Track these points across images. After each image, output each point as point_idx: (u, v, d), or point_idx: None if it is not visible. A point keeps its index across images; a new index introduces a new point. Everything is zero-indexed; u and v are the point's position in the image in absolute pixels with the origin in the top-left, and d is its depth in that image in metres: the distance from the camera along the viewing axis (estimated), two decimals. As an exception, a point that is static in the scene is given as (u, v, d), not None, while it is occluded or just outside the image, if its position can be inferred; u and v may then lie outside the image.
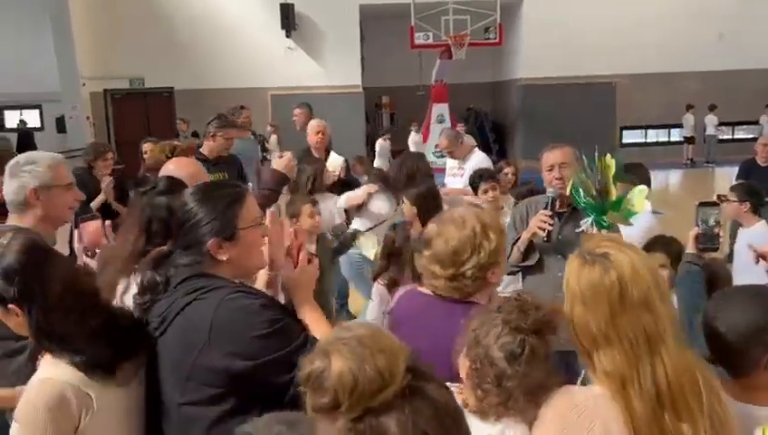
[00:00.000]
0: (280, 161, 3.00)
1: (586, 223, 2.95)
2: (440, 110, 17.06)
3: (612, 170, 2.90)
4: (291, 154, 3.08)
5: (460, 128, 13.17)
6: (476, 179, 4.69)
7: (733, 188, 4.37)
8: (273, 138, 12.43)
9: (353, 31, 17.25)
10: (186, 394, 1.66)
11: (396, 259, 3.38)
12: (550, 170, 3.23)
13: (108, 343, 1.67)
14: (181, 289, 1.71)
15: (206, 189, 1.86)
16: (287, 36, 16.68)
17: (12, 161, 2.48)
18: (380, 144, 13.62)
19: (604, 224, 2.90)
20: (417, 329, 1.86)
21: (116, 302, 2.06)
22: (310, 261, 1.88)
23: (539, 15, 17.04)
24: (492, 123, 19.32)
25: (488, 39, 16.37)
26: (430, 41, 15.94)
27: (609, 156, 2.95)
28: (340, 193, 5.02)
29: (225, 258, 1.75)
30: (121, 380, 1.70)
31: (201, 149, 5.04)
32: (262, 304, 1.68)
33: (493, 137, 18.61)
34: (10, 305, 1.65)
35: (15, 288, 1.63)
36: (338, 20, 16.68)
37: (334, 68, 16.92)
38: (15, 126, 17.14)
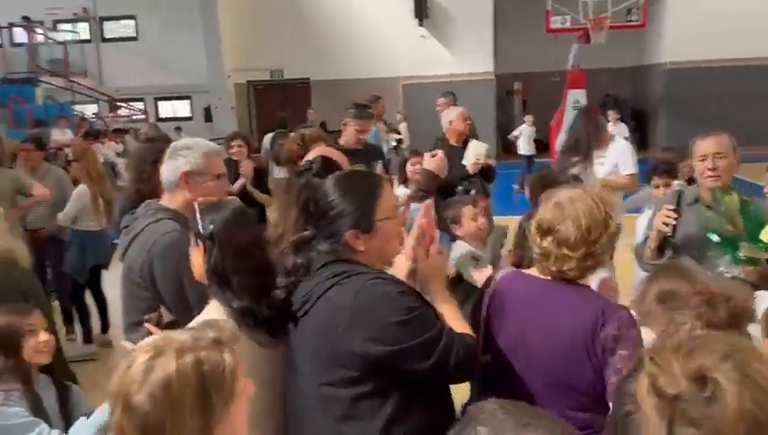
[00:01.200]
0: (432, 161, 2.85)
1: (725, 262, 2.75)
2: (576, 96, 16.36)
3: (736, 204, 2.72)
4: (442, 153, 2.93)
5: (612, 115, 12.72)
6: (648, 171, 4.36)
7: None
8: (403, 125, 12.55)
9: (486, 16, 16.99)
10: (325, 375, 1.72)
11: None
12: (702, 160, 2.93)
13: (263, 302, 1.83)
14: (323, 273, 1.78)
15: (346, 180, 1.90)
16: (420, 25, 16.74)
17: (173, 144, 2.61)
18: (526, 129, 13.41)
19: (741, 258, 2.69)
20: (526, 307, 1.91)
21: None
22: (441, 253, 1.92)
23: (687, -6, 15.88)
24: (631, 110, 18.31)
25: (630, 21, 15.48)
26: (567, 24, 15.34)
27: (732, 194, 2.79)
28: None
29: (361, 249, 1.80)
30: (264, 341, 1.83)
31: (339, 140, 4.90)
32: (400, 292, 1.71)
33: (633, 125, 17.64)
34: (200, 241, 1.89)
35: (212, 227, 1.87)
36: (471, 6, 16.51)
37: (466, 55, 16.78)
38: (169, 116, 18.53)
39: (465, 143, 5.16)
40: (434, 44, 16.97)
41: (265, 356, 1.84)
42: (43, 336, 2.31)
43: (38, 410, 2.20)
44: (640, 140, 17.50)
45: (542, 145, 17.27)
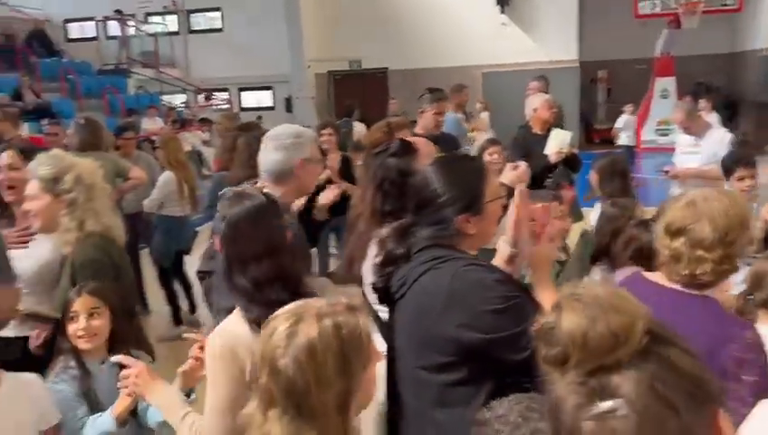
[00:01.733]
0: (512, 174, 2.66)
1: None
2: (665, 84, 15.74)
3: None
4: (525, 166, 2.72)
5: (704, 104, 12.09)
6: (730, 162, 4.05)
7: None
8: (485, 114, 12.39)
9: (572, 2, 16.52)
10: (420, 359, 1.72)
11: (615, 240, 3.14)
12: None
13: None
14: (420, 257, 1.78)
15: (449, 165, 1.89)
16: (501, 12, 16.46)
17: (268, 133, 2.68)
18: (627, 118, 12.98)
19: None
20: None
21: (366, 264, 2.26)
22: (552, 241, 1.90)
23: (790, -25, 14.92)
24: (725, 99, 17.39)
25: (725, 5, 14.74)
26: (657, 9, 14.77)
27: None
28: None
29: (473, 232, 1.80)
30: None
31: (415, 129, 4.77)
32: (497, 279, 1.69)
33: (726, 114, 16.75)
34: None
35: (225, 230, 1.80)
36: (555, -9, 16.09)
37: (549, 42, 16.38)
38: (252, 106, 19.01)
39: (549, 132, 5.03)
40: (515, 31, 16.65)
41: None
42: (82, 323, 2.27)
43: (86, 391, 2.22)
44: (733, 130, 16.62)
45: (627, 135, 16.67)
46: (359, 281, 2.37)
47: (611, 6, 16.90)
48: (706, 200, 1.72)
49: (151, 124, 13.09)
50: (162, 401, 1.94)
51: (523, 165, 2.73)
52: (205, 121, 13.78)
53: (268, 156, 2.59)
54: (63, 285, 2.54)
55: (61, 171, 2.57)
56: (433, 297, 1.69)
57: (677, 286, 1.75)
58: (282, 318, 1.24)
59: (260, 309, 1.67)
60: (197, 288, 5.10)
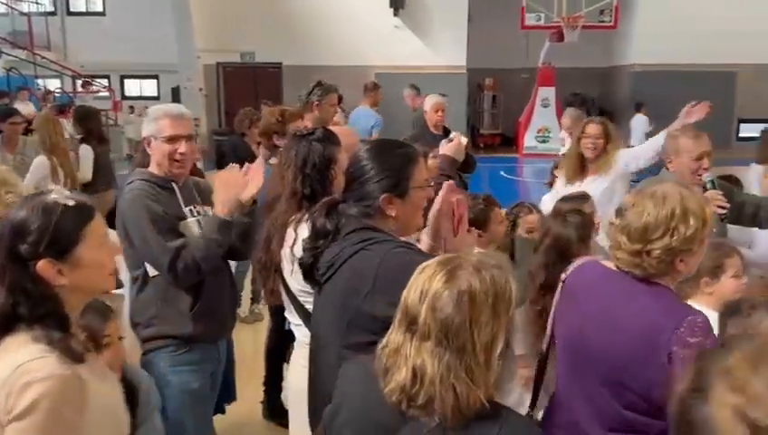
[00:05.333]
0: (450, 145, 2.83)
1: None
2: (546, 93, 16.61)
3: None
4: (459, 137, 2.88)
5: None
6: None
7: None
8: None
9: (461, 10, 17.04)
10: (345, 338, 1.74)
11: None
12: (698, 159, 3.03)
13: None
14: (350, 239, 1.82)
15: (382, 146, 1.98)
16: (395, 15, 16.71)
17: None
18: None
19: None
20: (591, 298, 1.84)
21: (286, 251, 2.25)
22: (469, 231, 1.96)
23: (657, -2, 16.18)
24: (599, 110, 18.58)
25: (603, 22, 15.74)
26: (542, 22, 15.53)
27: None
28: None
29: (393, 214, 1.85)
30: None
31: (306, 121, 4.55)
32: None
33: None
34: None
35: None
36: (447, -1, 16.53)
37: (439, 47, 16.80)
38: (135, 95, 18.17)
39: (447, 132, 5.20)
40: (408, 35, 16.96)
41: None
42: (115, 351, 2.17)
43: None
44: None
45: (509, 140, 17.44)
46: (276, 264, 2.33)
47: (499, 16, 17.59)
48: (653, 196, 1.72)
49: (23, 107, 12.18)
50: None
51: (457, 136, 2.88)
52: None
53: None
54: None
55: None
56: (363, 277, 1.72)
57: (629, 274, 1.77)
58: (437, 265, 1.36)
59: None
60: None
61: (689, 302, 2.36)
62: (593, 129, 4.03)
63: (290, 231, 2.26)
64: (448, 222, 1.92)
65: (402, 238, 1.88)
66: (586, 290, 1.88)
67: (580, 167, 4.06)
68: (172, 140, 2.55)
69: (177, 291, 2.54)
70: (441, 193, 1.93)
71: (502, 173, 13.72)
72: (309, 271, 1.92)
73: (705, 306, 2.25)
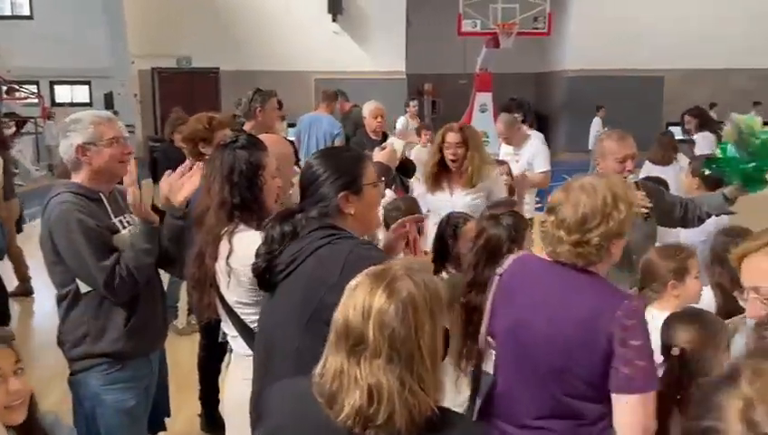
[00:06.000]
0: (383, 153, 2.92)
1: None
2: (483, 99, 16.89)
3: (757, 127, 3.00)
4: (391, 146, 3.06)
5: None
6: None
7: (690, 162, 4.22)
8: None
9: (400, 16, 17.18)
10: (305, 335, 1.75)
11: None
12: (622, 162, 3.10)
13: None
14: (314, 235, 1.89)
15: (332, 152, 2.21)
16: (333, 20, 16.70)
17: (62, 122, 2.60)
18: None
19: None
20: (533, 290, 1.90)
21: (221, 264, 2.21)
22: (426, 253, 2.10)
23: (588, 6, 16.72)
24: (535, 114, 19.05)
25: (536, 29, 16.12)
26: (478, 29, 15.78)
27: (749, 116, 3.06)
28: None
29: (351, 211, 1.94)
30: None
31: (249, 127, 4.51)
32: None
33: (535, 128, 18.34)
34: None
35: None
36: (385, 5, 16.64)
37: (379, 53, 16.90)
38: (66, 101, 17.55)
39: (385, 137, 5.28)
40: (347, 41, 16.99)
41: None
42: (14, 384, 1.75)
43: None
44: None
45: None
46: (211, 278, 2.28)
47: (437, 23, 17.83)
48: (582, 188, 1.82)
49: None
50: None
51: (390, 143, 2.98)
52: (10, 116, 12.51)
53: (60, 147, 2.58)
54: None
55: None
56: (329, 268, 1.79)
57: (566, 264, 1.84)
58: (371, 280, 1.36)
59: None
60: None
61: (656, 306, 2.51)
62: (452, 137, 3.86)
63: (224, 243, 2.22)
64: (400, 244, 2.07)
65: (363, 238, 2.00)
66: (526, 283, 1.96)
67: (439, 176, 3.94)
68: (116, 141, 2.50)
69: (111, 307, 2.46)
70: (406, 219, 2.11)
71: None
72: (262, 276, 1.95)
73: (671, 310, 2.35)
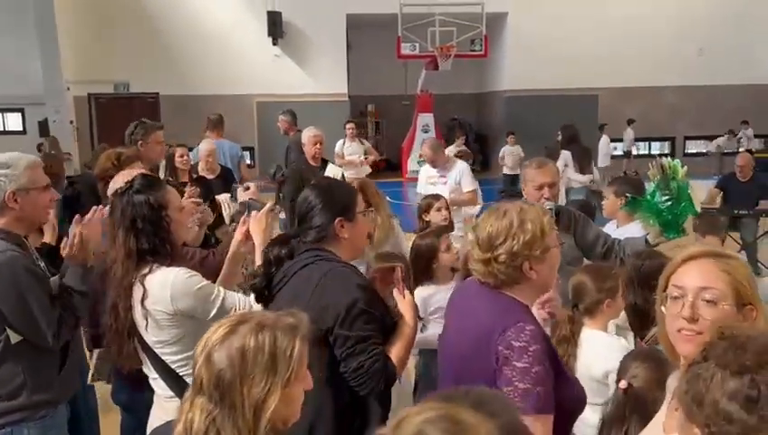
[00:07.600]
0: (245, 193, 3.08)
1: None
2: (425, 120, 17.16)
3: (681, 173, 3.10)
4: (255, 187, 3.25)
5: (460, 140, 13.43)
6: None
7: (612, 183, 4.23)
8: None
9: (340, 39, 17.33)
10: None
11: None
12: (539, 189, 3.23)
13: None
14: (302, 256, 2.14)
15: (326, 184, 2.39)
16: (274, 44, 16.71)
17: None
18: (509, 148, 13.13)
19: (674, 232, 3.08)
20: (456, 311, 2.09)
21: (137, 308, 2.19)
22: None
23: (524, 28, 17.22)
24: (476, 134, 19.43)
25: (474, 51, 16.51)
26: (417, 51, 16.05)
27: (675, 161, 3.15)
28: None
29: (345, 236, 2.17)
30: None
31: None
32: (361, 286, 2.05)
33: (476, 147, 18.72)
34: None
35: None
36: (325, 28, 16.76)
37: (320, 76, 16.98)
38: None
39: (325, 164, 5.32)
40: (289, 64, 17.01)
41: None
42: None
43: None
44: (484, 162, 18.62)
45: (393, 165, 17.85)
46: (129, 328, 2.24)
47: (377, 45, 18.04)
48: (497, 210, 1.93)
49: None
50: None
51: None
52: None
53: None
54: None
55: None
56: (306, 286, 2.04)
57: (486, 284, 1.93)
58: (229, 319, 1.40)
59: None
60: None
61: (590, 326, 2.68)
62: None
63: (137, 288, 2.20)
64: (386, 292, 2.24)
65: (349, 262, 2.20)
66: (455, 305, 2.13)
67: None
68: (48, 187, 2.45)
69: (45, 354, 2.38)
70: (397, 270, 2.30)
71: (388, 199, 13.92)
72: (261, 293, 2.18)
73: (603, 327, 2.68)
